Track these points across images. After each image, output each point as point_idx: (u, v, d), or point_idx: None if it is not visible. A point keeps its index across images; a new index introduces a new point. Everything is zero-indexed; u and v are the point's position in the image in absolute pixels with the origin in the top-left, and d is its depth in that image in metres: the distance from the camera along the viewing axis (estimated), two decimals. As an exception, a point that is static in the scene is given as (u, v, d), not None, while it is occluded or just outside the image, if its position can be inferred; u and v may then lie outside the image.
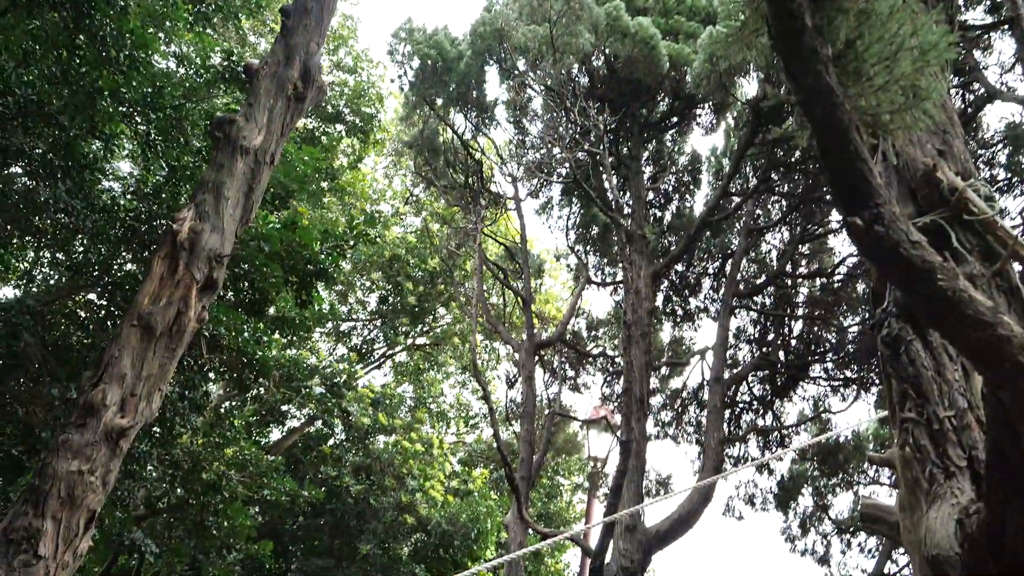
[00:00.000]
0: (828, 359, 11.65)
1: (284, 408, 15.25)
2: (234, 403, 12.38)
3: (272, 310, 7.60)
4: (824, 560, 11.86)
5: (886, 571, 10.05)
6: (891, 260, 2.87)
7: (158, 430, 6.31)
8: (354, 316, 17.97)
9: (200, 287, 4.17)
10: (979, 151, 9.61)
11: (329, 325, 17.74)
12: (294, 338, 9.82)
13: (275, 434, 16.09)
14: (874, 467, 11.43)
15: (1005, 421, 2.90)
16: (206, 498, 8.57)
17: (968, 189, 3.85)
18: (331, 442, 14.43)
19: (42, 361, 5.69)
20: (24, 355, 5.61)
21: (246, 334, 6.61)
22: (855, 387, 11.31)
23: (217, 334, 6.30)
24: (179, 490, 9.17)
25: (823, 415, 11.58)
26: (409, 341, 17.98)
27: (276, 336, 8.10)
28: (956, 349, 3.49)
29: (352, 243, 7.82)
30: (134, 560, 12.93)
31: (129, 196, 6.33)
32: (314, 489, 11.75)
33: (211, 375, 6.88)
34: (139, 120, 6.15)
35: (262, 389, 8.30)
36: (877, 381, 10.14)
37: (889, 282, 3.98)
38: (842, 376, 11.54)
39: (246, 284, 6.63)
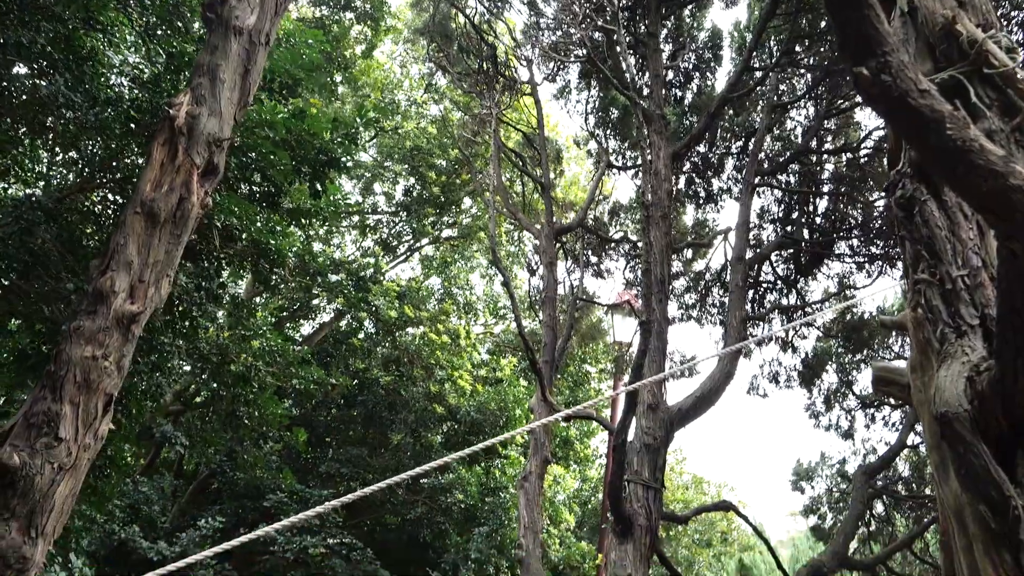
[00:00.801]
0: (854, 236, 11.50)
1: (313, 304, 15.49)
2: (260, 299, 12.57)
3: (288, 203, 7.59)
4: (848, 435, 11.99)
5: (909, 442, 10.15)
6: (899, 111, 2.76)
7: (183, 325, 6.40)
8: (379, 209, 17.99)
9: (201, 172, 4.14)
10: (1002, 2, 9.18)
11: (355, 219, 17.81)
12: (310, 230, 9.83)
13: (306, 329, 16.40)
14: (898, 342, 11.41)
15: (1017, 274, 2.83)
16: (236, 390, 8.78)
17: (988, 40, 3.67)
18: (360, 336, 14.67)
19: (59, 257, 5.75)
20: (41, 252, 5.66)
21: (259, 224, 6.61)
22: (880, 263, 11.19)
23: (229, 224, 6.31)
24: (210, 383, 9.38)
25: (848, 292, 11.50)
26: (436, 233, 18.01)
27: (292, 228, 8.10)
28: (968, 203, 3.40)
29: (364, 132, 7.72)
30: (175, 453, 13.47)
31: (129, 85, 6.25)
32: (342, 378, 12.02)
33: (226, 266, 6.92)
34: (134, 6, 6.01)
35: (278, 279, 8.32)
36: (902, 255, 9.99)
37: (899, 135, 3.85)
38: (867, 252, 11.40)
39: (257, 175, 6.60)
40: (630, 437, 8.42)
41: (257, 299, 14.46)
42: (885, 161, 4.59)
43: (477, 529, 12.10)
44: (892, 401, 11.67)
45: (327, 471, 12.76)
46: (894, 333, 11.38)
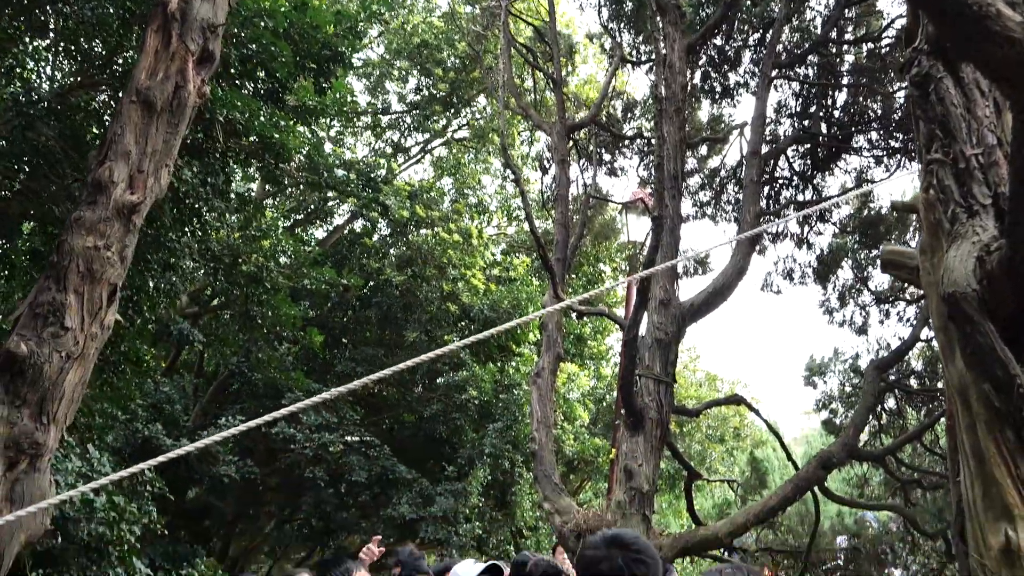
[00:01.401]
0: (873, 129, 11.24)
1: (326, 207, 15.46)
2: (271, 201, 12.54)
3: (293, 100, 7.47)
4: (862, 330, 11.97)
5: (923, 336, 10.13)
6: (911, -31, 2.62)
7: (190, 221, 6.39)
8: (390, 110, 17.73)
9: (196, 59, 4.05)
10: None
11: (367, 119, 17.60)
12: (319, 129, 9.72)
13: (320, 233, 16.42)
14: (915, 238, 11.26)
15: (1031, 146, 2.74)
16: (249, 290, 8.84)
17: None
18: (375, 239, 14.68)
19: (63, 156, 5.71)
20: (46, 150, 5.63)
21: (262, 119, 6.52)
22: (900, 156, 10.97)
23: (233, 119, 6.23)
24: (222, 284, 9.45)
25: (866, 186, 11.30)
26: (448, 134, 17.81)
27: (298, 127, 7.99)
28: (984, 74, 3.28)
29: (369, 26, 7.52)
30: (194, 354, 13.70)
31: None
32: (354, 278, 12.09)
33: (232, 164, 6.86)
34: None
35: (285, 176, 8.26)
36: (916, 135, 9.75)
37: (915, 6, 3.71)
38: (887, 146, 11.17)
39: (260, 71, 6.47)
40: (642, 332, 8.45)
41: (268, 202, 14.44)
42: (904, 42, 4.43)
43: (491, 425, 12.32)
44: (907, 296, 11.63)
45: (343, 371, 12.95)
46: (911, 229, 11.24)
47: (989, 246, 3.12)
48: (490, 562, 4.62)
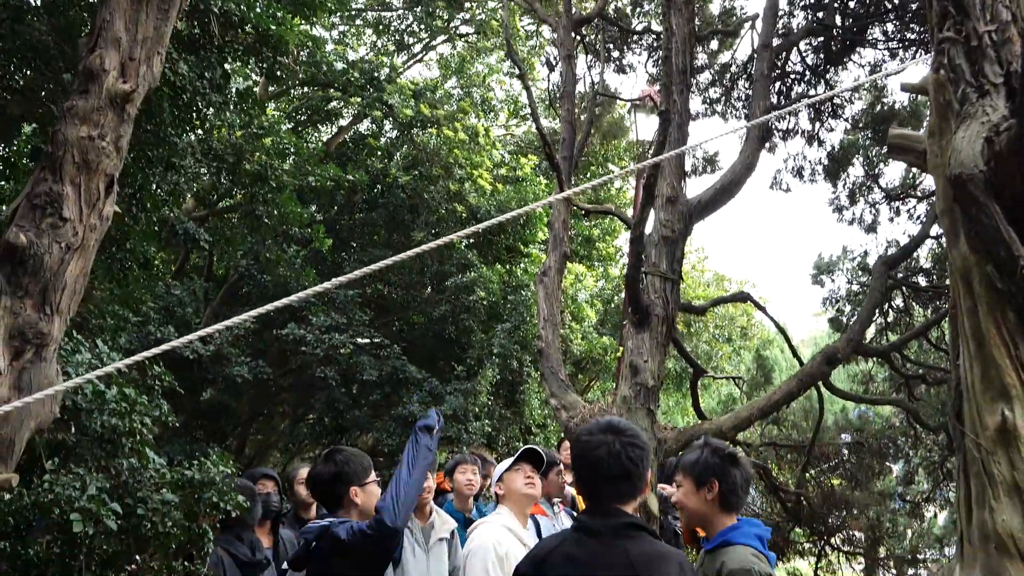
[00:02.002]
0: (889, 20, 10.91)
1: (330, 108, 15.25)
2: (274, 102, 12.37)
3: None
4: (871, 228, 11.89)
5: (932, 233, 10.06)
6: None
7: (189, 116, 6.31)
8: (392, 7, 17.29)
9: (184, -58, 3.93)
10: None
11: (370, 16, 17.21)
12: (319, 25, 9.49)
13: (324, 135, 16.25)
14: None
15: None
16: (254, 189, 8.80)
17: None
18: (381, 140, 14.53)
19: (58, 51, 5.61)
20: (40, 46, 5.52)
21: (258, 10, 6.36)
22: (916, 49, 10.69)
23: (228, 10, 6.07)
24: (227, 183, 9.40)
25: (879, 81, 11.05)
26: (451, 30, 17.40)
27: (297, 20, 7.80)
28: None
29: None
30: (203, 257, 13.75)
31: None
32: (359, 175, 12.01)
33: (230, 60, 6.73)
34: None
35: (284, 71, 8.09)
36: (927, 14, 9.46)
37: None
38: (903, 38, 10.86)
39: (255, -40, 6.28)
40: (648, 230, 8.42)
41: (271, 105, 14.25)
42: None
43: (500, 326, 12.42)
44: (918, 193, 11.51)
45: (352, 272, 13.01)
46: (924, 124, 11.02)
47: (999, 126, 3.05)
48: (528, 446, 4.76)
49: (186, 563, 4.37)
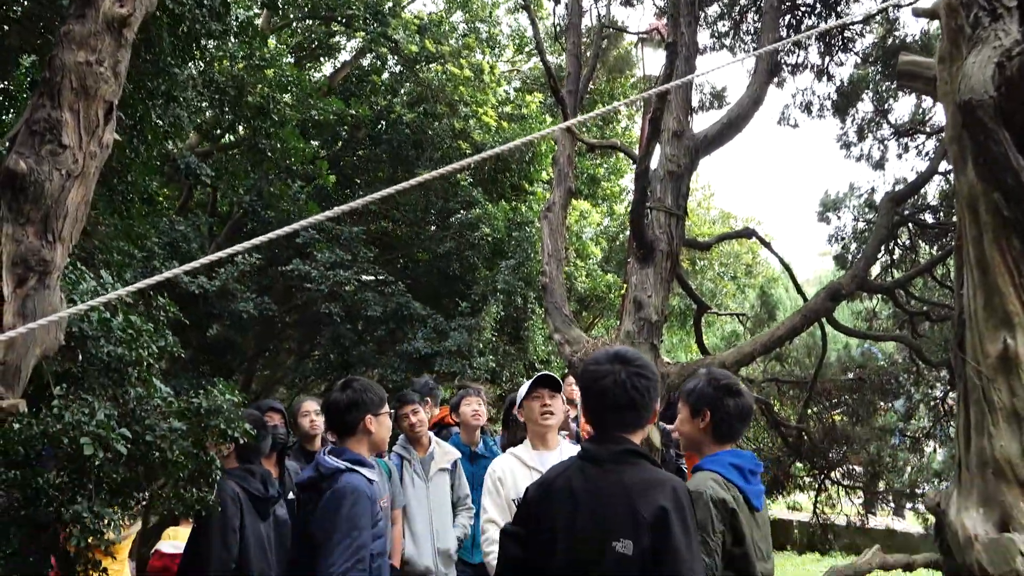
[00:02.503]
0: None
1: (332, 42, 15.04)
2: (276, 35, 12.19)
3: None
4: (879, 165, 11.77)
5: (941, 169, 9.97)
6: None
7: (189, 46, 6.22)
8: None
9: None
10: None
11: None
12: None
13: (327, 69, 16.05)
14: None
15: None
16: (256, 123, 8.72)
17: None
18: (384, 76, 14.35)
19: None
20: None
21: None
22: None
23: (223, -66, 5.96)
24: (229, 117, 9.32)
25: (891, 12, 10.82)
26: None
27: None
28: None
29: None
30: (207, 194, 13.72)
31: None
32: (363, 109, 11.91)
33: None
34: None
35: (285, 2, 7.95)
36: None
37: None
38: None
39: None
40: (654, 165, 8.36)
41: (272, 39, 14.05)
42: None
43: (504, 262, 12.41)
44: (927, 129, 11.37)
45: (356, 209, 12.97)
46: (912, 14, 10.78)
47: (1011, 51, 2.99)
48: (543, 372, 4.81)
49: (195, 490, 4.44)
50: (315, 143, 12.47)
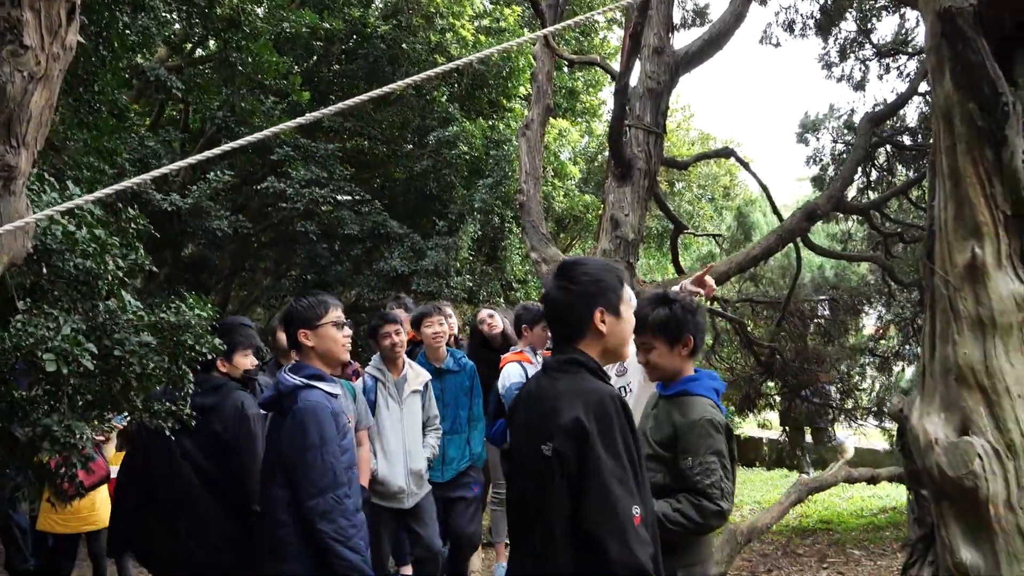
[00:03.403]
0: None
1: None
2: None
3: None
4: (860, 85, 11.70)
5: (921, 90, 9.94)
6: None
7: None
8: None
9: None
10: None
11: None
12: None
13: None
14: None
15: None
16: (227, 35, 8.49)
17: None
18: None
19: None
20: None
21: None
22: None
23: None
24: (199, 30, 9.06)
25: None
26: None
27: None
28: None
29: None
30: (178, 110, 13.44)
31: None
32: (336, 22, 11.65)
33: None
34: None
35: None
36: None
37: None
38: None
39: None
40: (633, 82, 8.26)
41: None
42: None
43: (482, 181, 12.33)
44: (909, 49, 11.29)
45: (331, 126, 12.77)
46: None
47: (993, -43, 2.95)
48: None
49: (168, 404, 4.45)
50: (288, 58, 12.20)
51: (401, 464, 5.63)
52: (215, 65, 9.61)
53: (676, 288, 4.01)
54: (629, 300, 3.00)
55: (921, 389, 3.02)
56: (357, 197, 11.81)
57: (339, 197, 11.50)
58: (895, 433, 10.63)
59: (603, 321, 2.85)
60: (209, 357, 4.40)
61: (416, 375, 5.89)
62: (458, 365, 6.36)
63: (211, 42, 10.03)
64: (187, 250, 12.81)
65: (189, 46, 12.10)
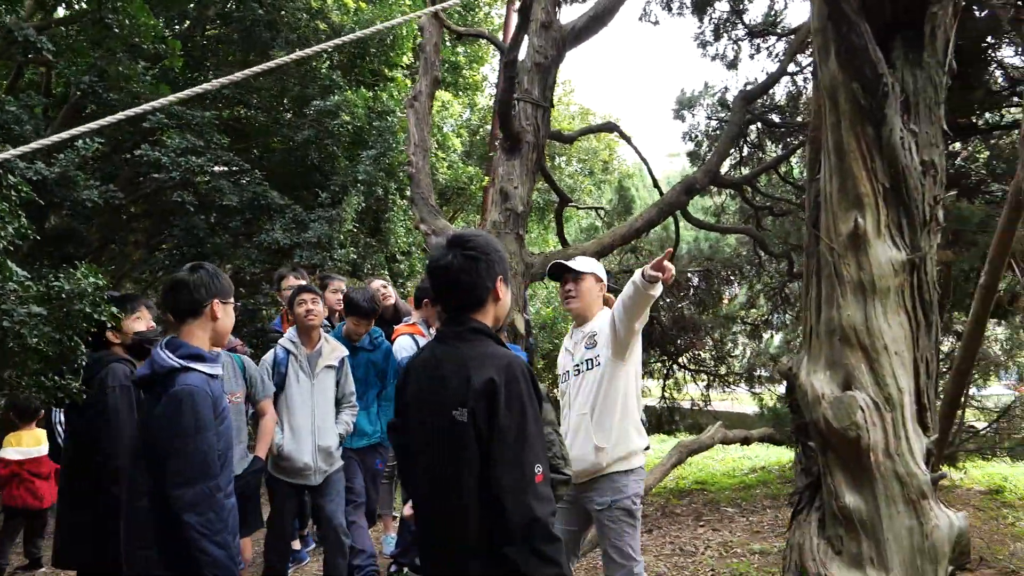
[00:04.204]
0: None
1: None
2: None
3: None
4: (733, 64, 12.16)
5: (790, 70, 10.44)
6: None
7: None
8: None
9: None
10: None
11: None
12: None
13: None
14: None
15: None
16: (99, -8, 8.06)
17: None
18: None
19: None
20: None
21: None
22: None
23: None
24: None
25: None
26: None
27: None
28: None
29: None
30: (40, 74, 12.66)
31: None
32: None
33: None
34: None
35: None
36: None
37: None
38: None
39: None
40: (521, 56, 8.34)
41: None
42: None
43: (365, 152, 12.18)
44: (779, 31, 11.80)
45: (208, 94, 12.34)
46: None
47: (874, -55, 3.16)
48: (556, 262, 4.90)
49: (56, 378, 4.27)
50: (160, 20, 11.67)
51: (308, 440, 5.54)
52: (86, 25, 9.08)
53: (637, 274, 4.17)
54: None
55: (808, 349, 3.23)
56: (236, 167, 11.46)
57: (216, 168, 11.14)
58: (766, 401, 11.25)
59: (500, 291, 3.00)
60: (109, 325, 4.24)
61: (332, 350, 5.78)
62: (372, 344, 6.34)
63: (82, 1, 9.47)
64: (50, 222, 12.14)
65: (57, 3, 11.39)
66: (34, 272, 9.38)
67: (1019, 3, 6.56)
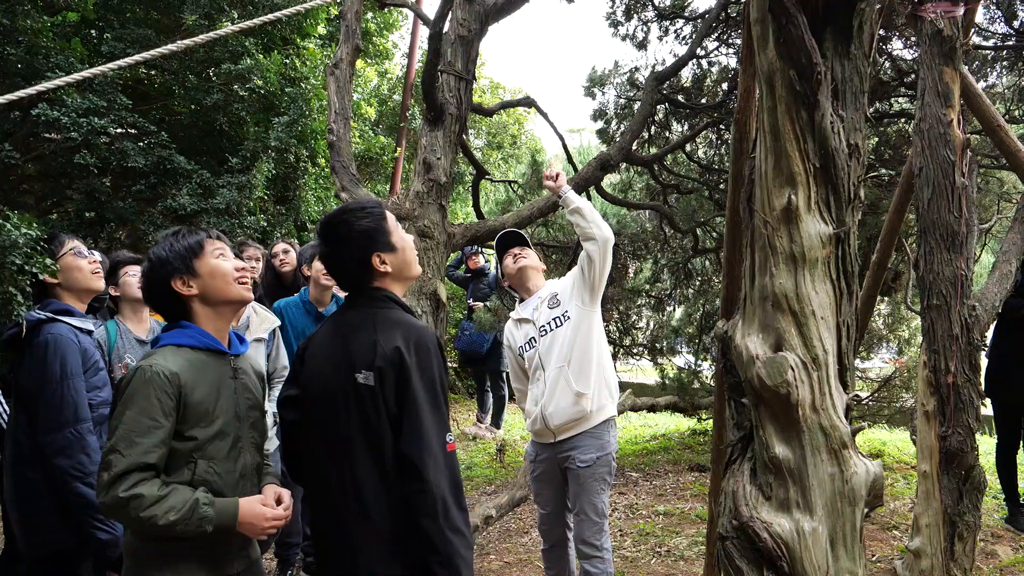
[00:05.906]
0: None
1: None
2: None
3: None
4: (642, 45, 12.46)
5: (698, 52, 10.82)
6: None
7: None
8: None
9: None
10: None
11: None
12: None
13: None
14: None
15: None
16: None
17: None
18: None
19: None
20: None
21: None
22: None
23: None
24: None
25: None
26: None
27: None
28: None
29: None
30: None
31: None
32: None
33: None
34: None
35: None
36: None
37: None
38: None
39: None
40: (445, 28, 8.41)
41: None
42: None
43: (277, 119, 12.02)
44: (687, 14, 12.18)
45: (110, 51, 11.88)
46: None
47: (808, -58, 3.42)
48: (508, 230, 5.11)
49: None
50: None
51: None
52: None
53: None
54: (395, 225, 3.18)
55: (743, 314, 3.51)
56: (140, 130, 11.13)
57: (119, 130, 10.78)
58: (668, 372, 11.71)
59: (383, 263, 3.05)
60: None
61: (261, 321, 5.58)
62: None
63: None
64: (-64, 183, 11.55)
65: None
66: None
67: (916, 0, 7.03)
